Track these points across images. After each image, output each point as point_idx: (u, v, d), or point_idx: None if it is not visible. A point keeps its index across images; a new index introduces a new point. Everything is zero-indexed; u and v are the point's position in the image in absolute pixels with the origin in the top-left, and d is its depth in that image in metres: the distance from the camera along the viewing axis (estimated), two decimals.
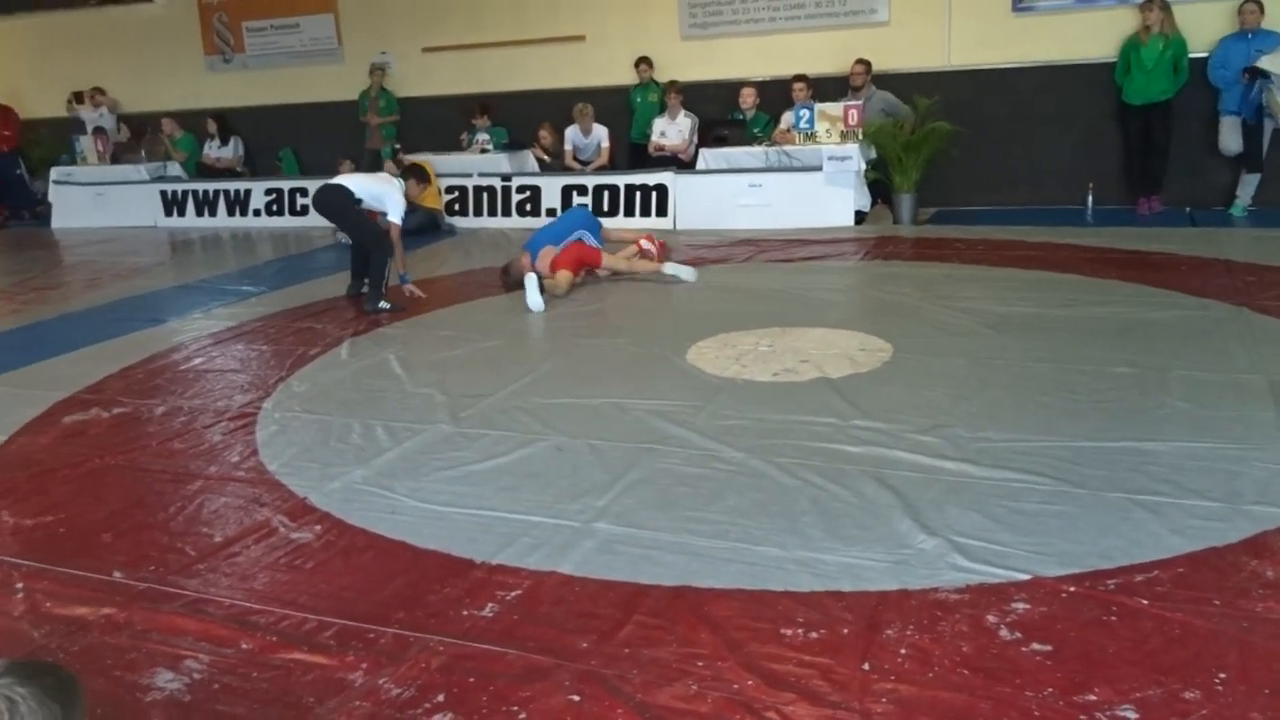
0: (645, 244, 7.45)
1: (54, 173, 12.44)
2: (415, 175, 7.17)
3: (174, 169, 12.28)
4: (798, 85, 9.40)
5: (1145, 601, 2.66)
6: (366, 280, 6.78)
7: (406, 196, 6.89)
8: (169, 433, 4.54)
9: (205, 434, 4.50)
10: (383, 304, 6.59)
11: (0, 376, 5.63)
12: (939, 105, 8.87)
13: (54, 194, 12.41)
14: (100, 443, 4.47)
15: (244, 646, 2.74)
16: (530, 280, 6.47)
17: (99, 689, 2.52)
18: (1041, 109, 9.32)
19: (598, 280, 7.16)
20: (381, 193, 6.82)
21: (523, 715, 2.36)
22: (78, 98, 13.16)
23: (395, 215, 6.76)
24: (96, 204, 12.20)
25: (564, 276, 6.73)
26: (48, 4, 13.57)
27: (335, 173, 11.18)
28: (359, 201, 6.84)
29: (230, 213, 11.62)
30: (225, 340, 6.20)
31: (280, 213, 11.39)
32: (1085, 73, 9.07)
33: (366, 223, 6.86)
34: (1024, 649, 2.49)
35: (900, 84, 9.43)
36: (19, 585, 3.18)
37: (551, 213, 9.75)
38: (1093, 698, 2.29)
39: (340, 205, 6.82)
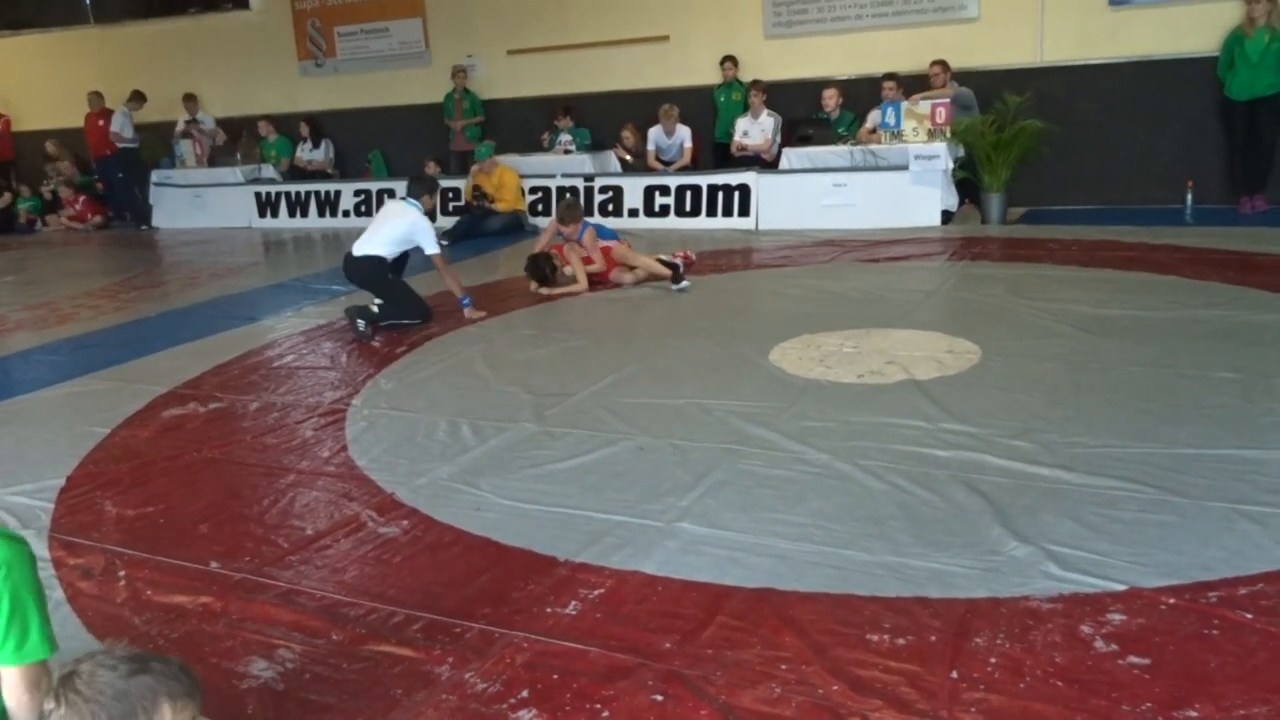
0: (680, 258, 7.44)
1: (154, 175, 12.92)
2: (426, 188, 6.69)
3: (268, 171, 12.63)
4: (888, 85, 9.23)
5: (1249, 615, 2.56)
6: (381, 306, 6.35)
7: (465, 204, 6.88)
8: (262, 428, 4.66)
9: (297, 429, 4.61)
10: (361, 326, 6.19)
11: (105, 371, 5.85)
12: (1030, 102, 8.66)
13: (154, 195, 12.88)
14: (197, 436, 4.62)
15: (334, 638, 2.80)
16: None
17: (197, 675, 2.59)
18: (1139, 105, 9.03)
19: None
20: (406, 234, 6.42)
21: (606, 713, 2.37)
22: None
23: (430, 247, 6.43)
24: (195, 205, 12.63)
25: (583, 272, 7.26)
26: (149, 13, 14.08)
27: (422, 173, 11.45)
28: (393, 264, 6.50)
29: (321, 213, 11.93)
30: (316, 338, 6.35)
31: (369, 213, 11.60)
32: (1185, 67, 8.77)
33: (405, 294, 6.47)
34: (1120, 661, 2.42)
35: (989, 81, 9.21)
36: (121, 573, 3.29)
37: (634, 213, 9.85)
38: (1193, 714, 2.21)
39: (376, 276, 6.42)
